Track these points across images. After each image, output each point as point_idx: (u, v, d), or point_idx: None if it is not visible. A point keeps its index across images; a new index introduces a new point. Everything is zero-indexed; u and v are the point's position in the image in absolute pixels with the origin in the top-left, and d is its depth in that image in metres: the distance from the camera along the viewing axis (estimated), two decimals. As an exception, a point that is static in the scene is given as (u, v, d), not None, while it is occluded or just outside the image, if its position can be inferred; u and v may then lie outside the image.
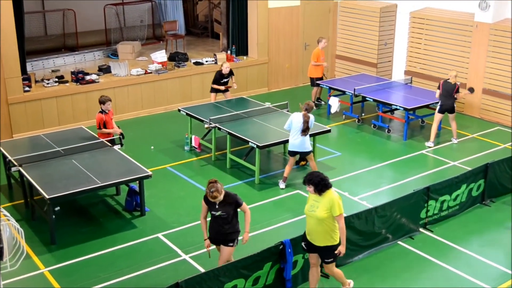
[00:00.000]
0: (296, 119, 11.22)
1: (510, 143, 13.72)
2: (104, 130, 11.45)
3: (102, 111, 11.44)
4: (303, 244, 8.07)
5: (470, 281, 8.72)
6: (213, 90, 14.61)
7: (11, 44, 13.55)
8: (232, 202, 8.04)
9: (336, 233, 7.82)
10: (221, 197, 7.90)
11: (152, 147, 13.53)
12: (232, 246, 8.17)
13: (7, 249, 6.08)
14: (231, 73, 14.53)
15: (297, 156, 11.79)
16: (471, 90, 13.91)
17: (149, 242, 9.75)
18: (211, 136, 12.96)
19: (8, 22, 13.40)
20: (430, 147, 13.59)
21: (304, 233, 8.03)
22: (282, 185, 11.58)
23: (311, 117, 11.24)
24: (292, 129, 11.27)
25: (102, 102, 11.42)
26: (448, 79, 13.48)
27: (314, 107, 11.38)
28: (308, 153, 11.43)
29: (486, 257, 9.30)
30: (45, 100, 14.29)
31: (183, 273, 8.47)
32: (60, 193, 9.45)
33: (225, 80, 14.49)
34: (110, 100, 11.54)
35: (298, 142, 11.22)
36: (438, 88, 13.59)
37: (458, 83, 13.50)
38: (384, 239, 9.56)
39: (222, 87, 14.47)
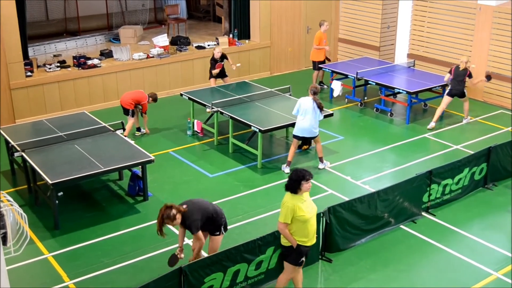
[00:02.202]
0: (304, 103, 11.20)
1: (513, 127, 13.71)
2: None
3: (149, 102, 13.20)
4: (303, 259, 7.67)
5: (472, 264, 8.75)
6: (212, 76, 14.60)
7: (13, 29, 13.52)
8: (188, 226, 7.72)
9: None
10: (176, 222, 7.59)
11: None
12: (218, 234, 8.07)
13: (10, 234, 6.09)
14: (224, 56, 14.51)
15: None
16: (488, 78, 13.91)
17: (153, 227, 9.72)
18: (213, 120, 12.95)
19: (10, 7, 13.35)
20: (431, 128, 13.59)
21: (304, 247, 7.55)
22: (286, 169, 11.58)
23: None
24: (300, 113, 11.27)
25: (156, 99, 13.30)
26: (459, 65, 13.43)
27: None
28: (315, 137, 11.44)
29: (489, 241, 9.33)
30: (47, 85, 14.28)
31: (187, 258, 8.48)
32: (63, 178, 9.48)
33: (221, 63, 14.54)
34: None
35: (307, 126, 11.20)
36: (450, 72, 13.60)
37: (473, 66, 13.50)
38: (387, 223, 9.58)
39: (217, 70, 14.41)
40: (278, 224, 7.48)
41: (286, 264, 7.76)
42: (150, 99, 13.12)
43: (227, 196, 10.71)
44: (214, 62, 14.43)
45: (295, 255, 7.58)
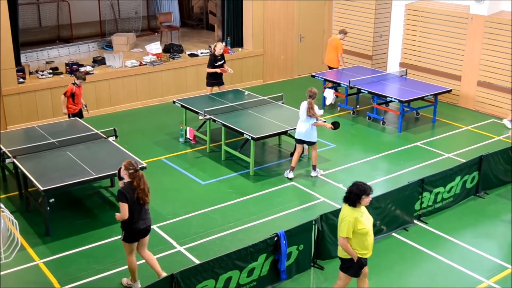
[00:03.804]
0: (301, 106, 11.37)
1: (504, 135, 13.74)
2: (65, 100, 12.52)
3: (74, 83, 12.47)
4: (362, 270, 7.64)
5: (464, 272, 8.76)
6: (209, 84, 14.55)
7: (5, 35, 13.48)
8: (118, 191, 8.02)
9: None
10: (122, 172, 8.00)
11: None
12: (120, 237, 8.16)
13: (1, 241, 6.08)
14: (223, 57, 14.46)
15: (303, 146, 11.87)
16: None
17: (144, 234, 9.74)
18: (206, 128, 12.95)
19: (3, 13, 13.33)
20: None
21: (364, 259, 7.49)
22: (290, 174, 11.60)
23: (315, 106, 11.36)
24: (300, 117, 11.42)
25: (79, 77, 12.55)
26: None
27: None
28: (312, 143, 11.49)
29: (480, 249, 9.34)
30: (40, 91, 14.25)
31: (178, 265, 8.48)
32: (54, 184, 9.44)
33: (220, 63, 14.37)
34: (84, 80, 12.65)
35: (304, 131, 11.31)
36: None
37: None
38: (379, 231, 9.57)
39: (218, 70, 14.32)
40: (340, 239, 7.31)
41: (343, 274, 7.60)
42: (77, 80, 12.52)
43: (219, 203, 10.70)
44: (213, 58, 14.27)
45: (356, 267, 7.47)
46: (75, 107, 12.65)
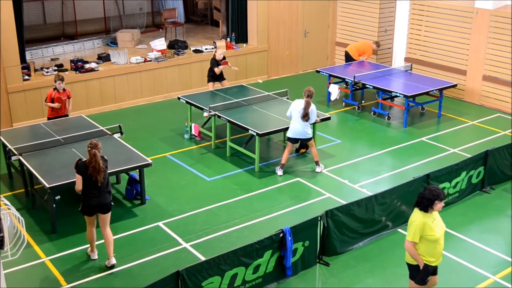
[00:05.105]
0: (297, 105, 11.24)
1: (510, 130, 13.70)
2: (48, 104, 12.21)
3: (54, 88, 12.22)
4: (430, 278, 7.26)
5: (470, 268, 8.75)
6: (211, 80, 14.56)
7: (10, 32, 13.50)
8: None
9: None
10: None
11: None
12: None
13: (7, 238, 6.08)
14: (224, 59, 14.52)
15: (297, 144, 11.89)
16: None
17: (150, 231, 9.77)
18: (211, 124, 12.95)
19: (7, 10, 13.34)
20: None
21: (431, 267, 7.22)
22: (279, 171, 11.60)
23: (312, 105, 11.26)
24: (293, 115, 11.29)
25: (54, 80, 12.25)
26: None
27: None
28: (309, 139, 11.45)
29: (486, 244, 9.33)
30: (45, 88, 14.23)
31: (184, 262, 8.50)
32: (60, 181, 9.46)
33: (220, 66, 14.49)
34: (62, 80, 12.14)
35: (299, 129, 11.24)
36: None
37: None
38: (384, 227, 9.58)
39: (221, 67, 14.35)
40: (406, 242, 7.17)
41: (412, 282, 7.45)
42: (56, 83, 12.14)
43: (224, 199, 10.71)
44: (215, 62, 14.34)
45: (422, 275, 7.25)
46: (52, 112, 12.29)
